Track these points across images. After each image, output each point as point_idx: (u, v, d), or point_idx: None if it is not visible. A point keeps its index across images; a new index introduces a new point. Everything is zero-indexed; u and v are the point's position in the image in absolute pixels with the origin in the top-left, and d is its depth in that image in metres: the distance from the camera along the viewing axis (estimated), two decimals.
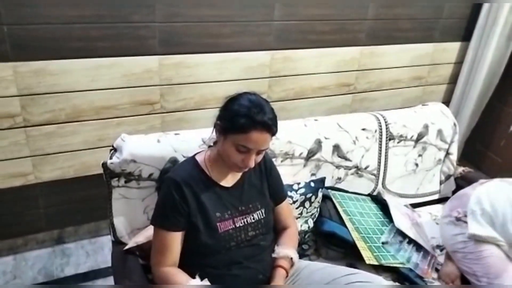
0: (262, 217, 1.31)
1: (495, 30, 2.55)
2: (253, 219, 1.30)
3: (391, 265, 1.54)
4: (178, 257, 1.23)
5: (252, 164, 1.18)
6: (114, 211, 1.45)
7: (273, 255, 1.32)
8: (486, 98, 2.78)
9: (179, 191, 1.19)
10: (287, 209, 1.45)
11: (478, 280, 1.54)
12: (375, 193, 1.94)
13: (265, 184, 1.36)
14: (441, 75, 2.79)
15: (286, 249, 1.34)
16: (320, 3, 2.12)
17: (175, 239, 1.21)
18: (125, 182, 1.42)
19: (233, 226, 1.25)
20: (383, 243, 1.62)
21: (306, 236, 1.62)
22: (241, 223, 1.27)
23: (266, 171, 1.37)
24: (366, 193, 1.91)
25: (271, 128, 1.17)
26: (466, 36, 2.69)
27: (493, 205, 1.57)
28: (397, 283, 1.54)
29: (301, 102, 2.38)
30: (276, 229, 1.42)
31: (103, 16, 1.71)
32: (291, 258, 1.32)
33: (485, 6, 2.55)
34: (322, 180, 1.65)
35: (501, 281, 1.48)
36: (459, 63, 2.78)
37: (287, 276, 1.32)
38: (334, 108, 2.50)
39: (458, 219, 1.64)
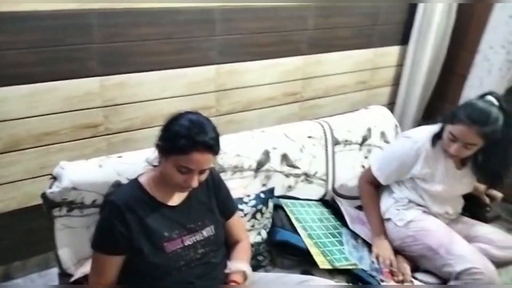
0: (211, 233, 1.31)
1: (430, 32, 2.71)
2: (202, 236, 1.29)
3: (344, 267, 1.58)
4: (115, 279, 1.21)
5: (195, 184, 1.17)
6: (58, 242, 1.39)
7: (226, 271, 1.32)
8: (427, 96, 2.93)
9: (119, 216, 1.17)
10: (238, 223, 1.45)
11: (436, 253, 1.60)
12: (326, 198, 1.98)
13: (214, 200, 1.36)
14: (383, 78, 2.92)
15: (239, 263, 1.34)
16: (260, 17, 2.17)
17: (114, 263, 1.19)
18: (67, 211, 1.37)
19: (182, 245, 1.24)
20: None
21: (261, 247, 1.63)
22: (190, 241, 1.26)
23: (214, 187, 1.37)
24: (318, 198, 1.95)
25: (212, 148, 1.17)
26: (403, 40, 2.84)
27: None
28: (351, 284, 1.57)
29: (250, 113, 2.41)
30: (228, 244, 1.42)
31: (38, 41, 1.66)
32: (244, 272, 1.32)
33: (420, 11, 2.70)
34: (271, 190, 1.67)
35: (455, 245, 1.57)
36: (399, 65, 2.93)
37: None
38: (283, 117, 2.55)
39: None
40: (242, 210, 1.56)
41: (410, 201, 1.74)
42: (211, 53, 2.10)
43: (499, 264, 1.70)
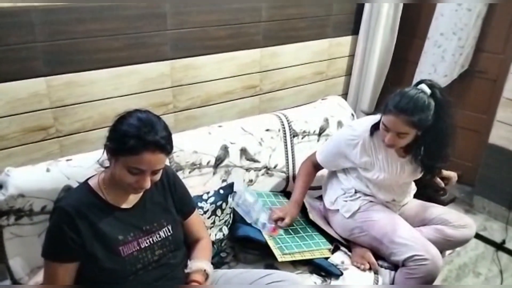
0: (169, 234, 1.28)
1: (379, 23, 2.76)
2: (159, 237, 1.26)
3: (301, 258, 1.58)
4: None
5: (147, 185, 1.14)
6: (8, 252, 1.32)
7: (186, 271, 1.30)
8: (380, 85, 2.99)
9: (69, 222, 1.11)
10: (197, 221, 1.43)
11: (381, 243, 1.65)
12: (288, 190, 1.99)
13: (170, 199, 1.33)
14: (339, 68, 2.95)
15: (199, 262, 1.31)
16: (213, 10, 2.13)
17: (66, 271, 1.14)
18: (16, 219, 1.30)
19: (138, 248, 1.20)
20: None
21: (223, 244, 1.62)
22: (147, 243, 1.22)
23: (170, 186, 1.34)
24: (279, 190, 1.95)
25: (164, 147, 1.14)
26: (355, 30, 2.88)
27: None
28: (314, 275, 1.59)
29: (209, 108, 2.37)
30: (188, 243, 1.39)
31: None
32: (205, 270, 1.31)
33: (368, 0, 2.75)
34: (231, 185, 1.65)
35: (398, 234, 1.61)
36: (352, 55, 2.97)
37: None
38: (243, 111, 2.53)
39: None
40: (201, 207, 1.54)
41: (356, 191, 1.76)
42: (164, 48, 2.04)
43: (456, 243, 1.77)
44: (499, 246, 2.51)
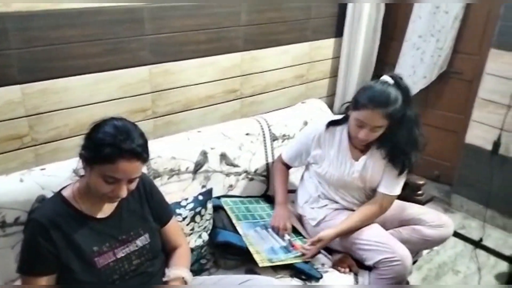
0: (146, 242, 1.27)
1: (361, 24, 2.79)
2: (137, 246, 1.25)
3: (284, 262, 1.59)
4: None
5: (123, 194, 1.13)
6: None
7: (164, 279, 1.29)
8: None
9: (43, 234, 1.10)
10: (175, 228, 1.42)
11: (350, 250, 1.67)
12: (268, 193, 1.99)
13: (146, 207, 1.32)
14: (321, 71, 2.97)
15: (177, 269, 1.31)
16: (192, 14, 2.12)
17: (44, 285, 1.12)
18: None
19: (114, 258, 1.19)
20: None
21: (203, 250, 1.61)
22: (123, 253, 1.21)
23: (146, 194, 1.33)
24: (259, 194, 1.96)
25: (140, 155, 1.13)
26: (338, 32, 2.91)
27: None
28: (295, 279, 1.59)
29: (189, 113, 2.36)
30: (166, 251, 1.38)
31: None
32: (183, 278, 1.30)
33: (350, 4, 2.78)
34: (209, 191, 1.65)
35: (364, 240, 1.62)
36: (336, 57, 3.00)
37: None
38: (224, 115, 2.53)
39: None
40: (180, 214, 1.53)
41: (320, 197, 1.77)
42: (142, 53, 2.03)
43: (434, 242, 1.79)
44: (477, 244, 2.56)
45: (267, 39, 2.53)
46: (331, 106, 3.01)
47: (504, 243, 2.58)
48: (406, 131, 1.59)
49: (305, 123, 2.07)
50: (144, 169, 1.54)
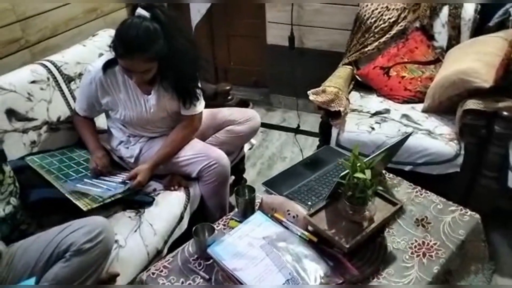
0: None
1: None
2: None
3: (109, 200, 1.56)
4: None
5: None
6: None
7: None
8: None
9: None
10: None
11: (173, 170, 1.72)
12: None
13: None
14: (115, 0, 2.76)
15: None
16: None
17: None
18: None
19: None
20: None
21: (18, 216, 1.46)
22: None
23: None
24: (74, 142, 1.83)
25: None
26: None
27: None
28: (127, 211, 1.59)
29: None
30: None
31: None
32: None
33: None
34: (1, 152, 1.46)
35: (182, 157, 1.68)
36: None
37: None
38: (13, 70, 2.20)
39: None
40: None
41: (129, 136, 1.75)
42: None
43: (247, 135, 1.95)
44: (296, 130, 2.91)
45: None
46: None
47: (317, 124, 2.98)
48: (179, 66, 1.55)
49: (101, 55, 1.94)
50: None
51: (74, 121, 1.78)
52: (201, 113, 1.77)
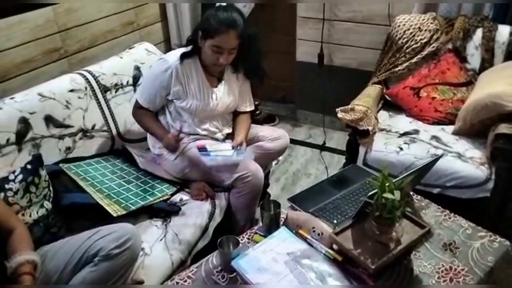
0: None
1: None
2: None
3: (140, 206, 1.60)
4: None
5: None
6: None
7: (9, 271, 1.16)
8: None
9: None
10: (2, 211, 1.29)
11: (210, 173, 1.76)
12: (116, 147, 1.94)
13: None
14: (150, 15, 2.86)
15: (23, 255, 1.19)
16: None
17: None
18: None
19: None
20: None
21: (50, 219, 1.52)
22: None
23: None
24: (106, 151, 1.89)
25: None
26: None
27: None
28: (153, 219, 1.63)
29: (6, 84, 2.08)
30: (1, 236, 1.25)
31: None
32: (33, 260, 1.20)
33: None
34: (38, 157, 1.51)
35: None
36: None
37: (35, 278, 1.20)
38: (52, 79, 2.29)
39: None
40: (10, 189, 1.40)
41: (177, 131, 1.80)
42: None
43: (276, 153, 1.97)
44: (322, 147, 2.91)
45: None
46: (170, 50, 2.96)
47: (343, 141, 2.97)
48: (253, 47, 1.75)
49: (137, 68, 2.02)
50: None
51: (136, 113, 1.85)
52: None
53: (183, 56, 1.72)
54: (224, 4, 1.69)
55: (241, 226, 1.80)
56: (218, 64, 1.70)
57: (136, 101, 1.83)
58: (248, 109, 1.97)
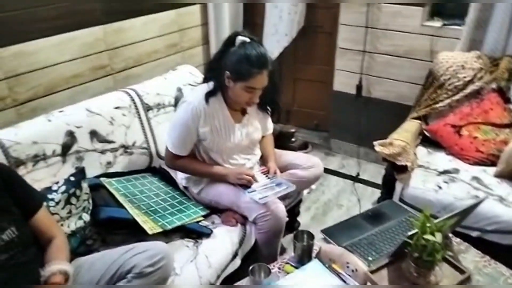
0: (14, 235, 1.19)
1: None
2: (3, 241, 1.16)
3: (176, 226, 1.61)
4: None
5: None
6: None
7: (42, 279, 1.19)
8: None
9: None
10: (46, 218, 1.33)
11: (232, 209, 1.76)
12: (153, 165, 1.98)
13: (7, 199, 1.22)
14: (192, 38, 2.95)
15: (54, 264, 1.22)
16: None
17: None
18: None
19: None
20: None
21: (87, 231, 1.55)
22: None
23: (6, 185, 1.23)
24: (144, 168, 1.93)
25: None
26: None
27: None
28: (185, 239, 1.64)
29: (57, 96, 2.18)
30: (42, 244, 1.30)
31: None
32: (65, 271, 1.22)
33: None
34: (81, 170, 1.57)
35: (241, 200, 1.72)
36: (205, 24, 2.99)
37: None
38: (97, 93, 2.38)
39: None
40: (52, 199, 1.45)
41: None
42: None
43: (309, 182, 1.95)
44: (355, 179, 2.86)
45: (130, 9, 2.42)
46: None
47: (378, 174, 2.92)
48: (272, 81, 1.72)
49: (179, 90, 2.07)
50: (2, 158, 1.43)
51: (174, 164, 1.80)
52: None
53: (208, 96, 1.69)
54: (248, 39, 1.63)
55: (264, 260, 1.77)
56: (251, 103, 1.70)
57: (169, 152, 1.77)
58: (270, 132, 1.98)
